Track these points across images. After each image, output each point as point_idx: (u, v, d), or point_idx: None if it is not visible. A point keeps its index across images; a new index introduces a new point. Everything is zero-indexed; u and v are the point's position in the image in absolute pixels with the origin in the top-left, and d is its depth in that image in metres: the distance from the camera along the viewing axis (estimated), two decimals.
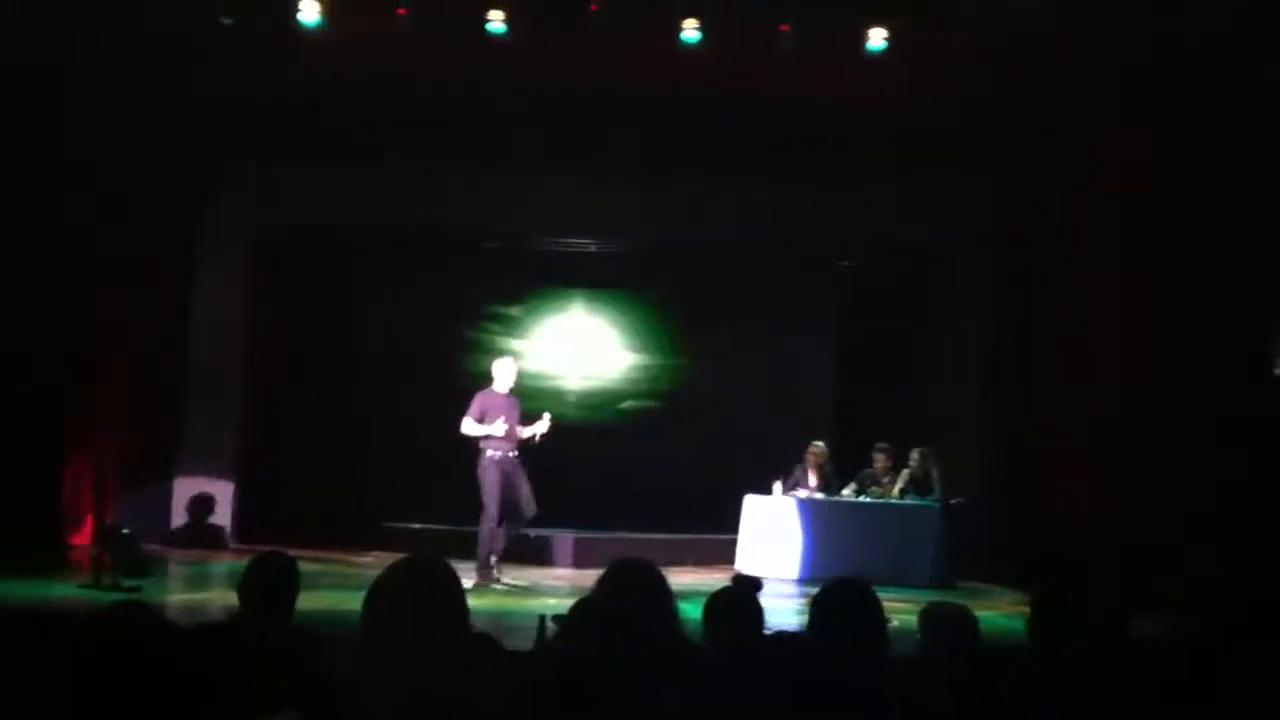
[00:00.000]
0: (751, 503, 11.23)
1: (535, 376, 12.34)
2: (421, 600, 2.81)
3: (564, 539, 11.43)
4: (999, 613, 8.45)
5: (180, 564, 10.57)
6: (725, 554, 11.11)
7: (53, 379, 9.86)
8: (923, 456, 11.11)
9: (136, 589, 7.98)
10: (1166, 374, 9.43)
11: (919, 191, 11.75)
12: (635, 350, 13.75)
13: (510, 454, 9.62)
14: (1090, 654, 3.80)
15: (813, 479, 11.44)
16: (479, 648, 3.01)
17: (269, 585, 4.11)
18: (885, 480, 11.31)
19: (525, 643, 4.70)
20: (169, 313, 11.75)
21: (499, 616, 7.54)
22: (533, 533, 10.48)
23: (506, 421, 9.51)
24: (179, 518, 11.80)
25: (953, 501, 10.92)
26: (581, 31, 9.73)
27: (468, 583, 6.35)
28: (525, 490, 9.68)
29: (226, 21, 9.60)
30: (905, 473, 11.18)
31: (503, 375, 9.81)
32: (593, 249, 13.14)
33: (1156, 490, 9.21)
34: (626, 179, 11.63)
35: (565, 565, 11.27)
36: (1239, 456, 8.50)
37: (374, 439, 12.96)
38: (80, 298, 10.14)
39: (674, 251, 12.94)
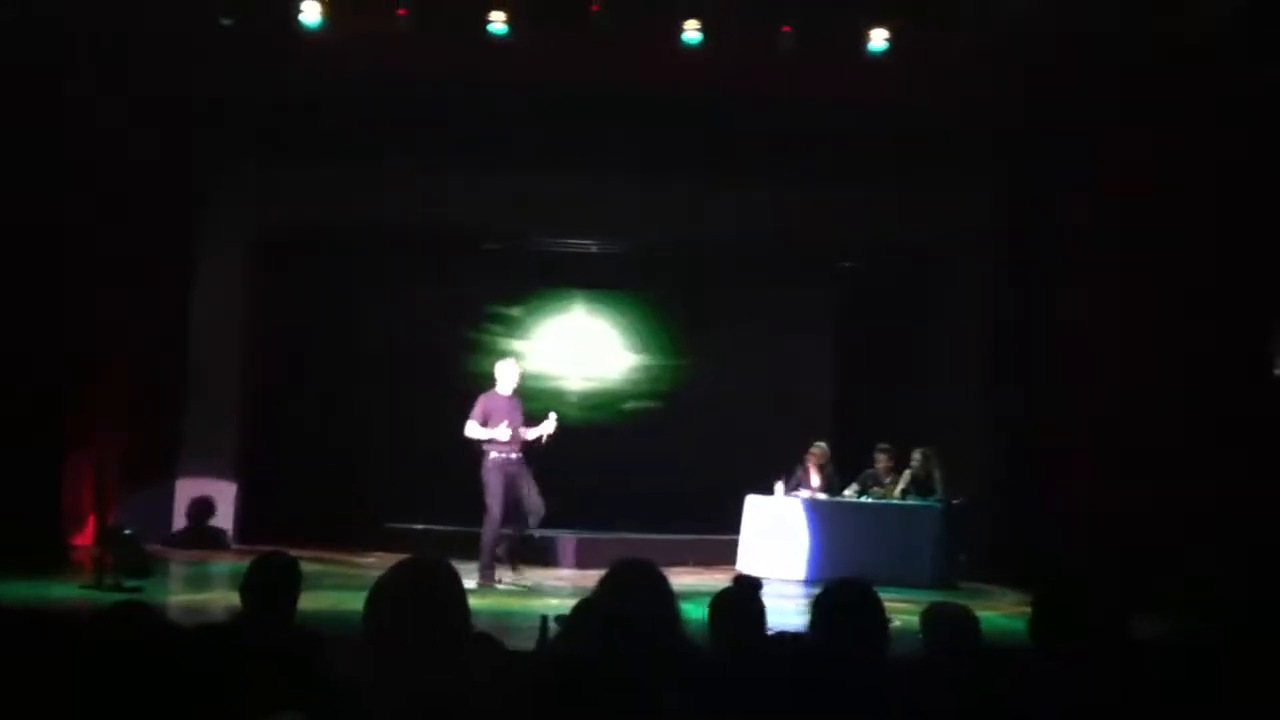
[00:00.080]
0: (753, 503, 11.24)
1: (536, 377, 12.31)
2: (423, 601, 2.81)
3: (566, 539, 11.43)
4: (1000, 613, 8.45)
5: (182, 564, 10.56)
6: (726, 554, 11.11)
7: (53, 379, 9.85)
8: (925, 457, 11.10)
9: (138, 589, 7.98)
10: (1166, 374, 9.43)
11: (919, 191, 11.75)
12: (636, 351, 13.75)
13: (514, 456, 9.61)
14: (1091, 654, 3.80)
15: (815, 479, 11.44)
16: (480, 648, 3.01)
17: (270, 586, 4.12)
18: (887, 480, 11.31)
19: (527, 643, 4.69)
20: (169, 313, 11.74)
21: (501, 617, 7.54)
22: (535, 533, 10.48)
23: (510, 424, 9.51)
24: (180, 520, 11.78)
25: (954, 502, 10.93)
26: (582, 32, 9.73)
27: (470, 583, 6.48)
28: (531, 491, 9.67)
29: (226, 22, 9.60)
30: (907, 473, 11.18)
31: (505, 377, 9.80)
32: (593, 249, 13.13)
33: (1156, 490, 9.21)
34: (627, 179, 11.62)
35: (567, 565, 11.28)
36: (1239, 456, 8.50)
37: (375, 439, 12.95)
38: (80, 298, 10.14)
39: (674, 252, 12.94)
